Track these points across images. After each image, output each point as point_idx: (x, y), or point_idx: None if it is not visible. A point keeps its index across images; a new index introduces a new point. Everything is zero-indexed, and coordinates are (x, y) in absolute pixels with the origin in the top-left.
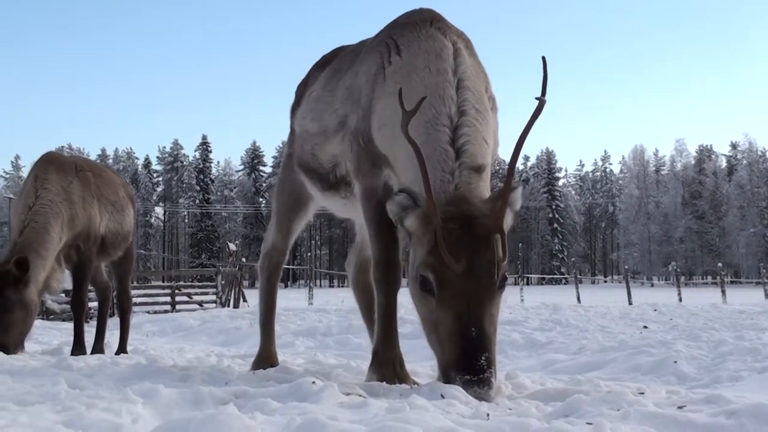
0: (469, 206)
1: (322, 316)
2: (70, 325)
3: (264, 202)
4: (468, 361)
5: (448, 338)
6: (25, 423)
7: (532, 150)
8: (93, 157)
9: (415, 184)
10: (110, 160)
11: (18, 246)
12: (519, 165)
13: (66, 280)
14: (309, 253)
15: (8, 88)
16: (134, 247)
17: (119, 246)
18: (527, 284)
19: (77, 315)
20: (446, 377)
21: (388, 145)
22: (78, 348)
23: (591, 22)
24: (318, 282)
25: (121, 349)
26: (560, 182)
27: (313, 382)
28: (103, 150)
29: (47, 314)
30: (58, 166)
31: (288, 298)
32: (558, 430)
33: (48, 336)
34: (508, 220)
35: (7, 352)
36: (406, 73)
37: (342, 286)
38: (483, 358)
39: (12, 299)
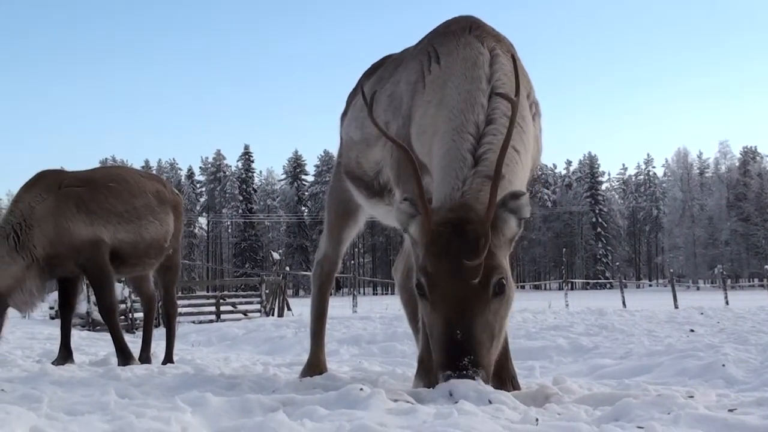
0: (467, 212)
1: (366, 324)
2: None
3: (306, 211)
4: (451, 361)
5: (436, 341)
6: None
7: (574, 154)
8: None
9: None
10: (153, 172)
11: None
12: (562, 170)
13: (45, 300)
14: (352, 261)
15: (55, 102)
16: (179, 256)
17: (147, 254)
18: (571, 289)
19: (108, 325)
20: (435, 378)
21: (425, 152)
22: (121, 356)
23: (630, 26)
24: (362, 290)
25: (168, 358)
26: (603, 186)
27: (361, 389)
28: (147, 161)
29: (93, 325)
30: (33, 185)
31: (332, 306)
32: None
33: (95, 347)
34: (512, 226)
35: None
36: (443, 81)
37: (385, 294)
38: (466, 359)
39: None
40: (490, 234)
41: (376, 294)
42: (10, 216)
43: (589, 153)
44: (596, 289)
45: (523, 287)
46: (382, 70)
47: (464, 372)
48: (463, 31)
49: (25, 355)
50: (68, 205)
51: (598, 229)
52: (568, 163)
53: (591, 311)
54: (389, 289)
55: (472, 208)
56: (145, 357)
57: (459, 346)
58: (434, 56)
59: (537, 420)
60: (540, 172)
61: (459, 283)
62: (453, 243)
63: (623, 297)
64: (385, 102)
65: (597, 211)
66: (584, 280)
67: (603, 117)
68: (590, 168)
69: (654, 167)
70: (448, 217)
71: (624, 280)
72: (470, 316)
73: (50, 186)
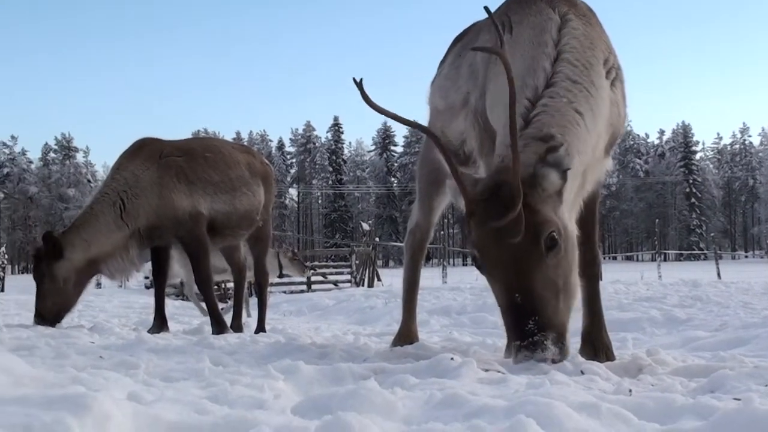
0: (504, 175)
1: (456, 295)
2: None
3: (396, 182)
4: (517, 327)
5: (501, 310)
6: (171, 398)
7: (667, 124)
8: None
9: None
10: (245, 143)
11: (68, 227)
12: (654, 139)
13: (141, 270)
14: (442, 232)
15: (150, 75)
16: (269, 227)
17: (240, 225)
18: (664, 260)
19: (204, 295)
20: (507, 349)
21: (497, 124)
22: (216, 326)
23: None
24: (451, 261)
25: (260, 327)
26: (697, 156)
27: (452, 359)
28: (238, 133)
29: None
30: (135, 154)
31: (422, 277)
32: (704, 405)
33: (188, 316)
34: (553, 180)
35: (42, 320)
36: (512, 50)
37: None
38: (531, 322)
39: (43, 271)
40: (521, 190)
41: (466, 265)
42: (113, 183)
43: (683, 122)
44: (690, 261)
45: (615, 258)
46: (467, 38)
47: (531, 338)
48: None
49: (122, 323)
50: (170, 175)
51: (692, 200)
52: (661, 132)
53: (684, 282)
54: None
55: (508, 170)
56: (236, 326)
57: (521, 310)
58: (507, 25)
59: (630, 391)
60: (632, 142)
61: (506, 246)
62: (489, 208)
63: (718, 268)
64: (466, 72)
65: (691, 181)
66: (677, 251)
67: (697, 85)
68: (684, 137)
69: (750, 136)
70: (487, 184)
71: (719, 251)
72: (526, 276)
73: (152, 155)
